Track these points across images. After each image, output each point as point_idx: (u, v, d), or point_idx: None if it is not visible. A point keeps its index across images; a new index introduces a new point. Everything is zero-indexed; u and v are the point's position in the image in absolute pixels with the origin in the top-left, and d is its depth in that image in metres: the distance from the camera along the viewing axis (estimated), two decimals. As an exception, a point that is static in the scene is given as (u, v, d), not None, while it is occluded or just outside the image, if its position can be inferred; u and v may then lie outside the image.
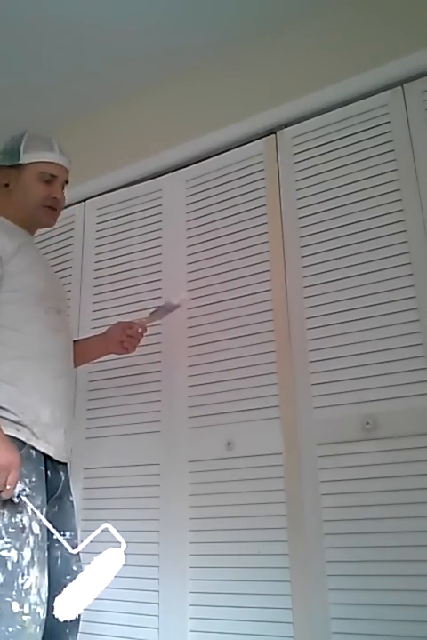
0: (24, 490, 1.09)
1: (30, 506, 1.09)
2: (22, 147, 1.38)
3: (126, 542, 1.05)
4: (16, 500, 1.08)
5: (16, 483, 1.06)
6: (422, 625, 1.36)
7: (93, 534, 1.02)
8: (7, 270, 1.24)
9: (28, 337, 1.25)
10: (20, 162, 1.37)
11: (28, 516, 1.10)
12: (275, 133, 1.92)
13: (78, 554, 1.31)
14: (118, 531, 1.07)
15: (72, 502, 1.36)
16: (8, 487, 1.05)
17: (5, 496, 1.06)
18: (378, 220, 1.65)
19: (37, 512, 1.10)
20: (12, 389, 1.17)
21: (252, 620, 1.56)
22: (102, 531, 1.02)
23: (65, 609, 0.97)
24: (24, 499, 1.08)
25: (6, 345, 1.20)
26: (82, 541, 1.06)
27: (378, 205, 1.66)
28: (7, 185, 1.38)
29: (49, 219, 1.44)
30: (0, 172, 1.38)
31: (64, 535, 1.28)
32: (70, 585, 1.01)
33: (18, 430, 1.16)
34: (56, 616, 0.97)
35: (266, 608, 1.55)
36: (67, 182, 1.47)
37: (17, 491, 1.07)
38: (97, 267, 2.18)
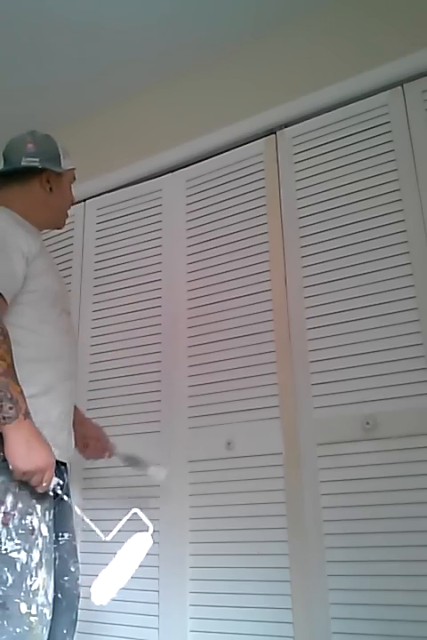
0: (58, 484, 1.13)
1: (65, 497, 1.16)
2: (62, 154, 1.41)
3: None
4: (51, 493, 1.13)
5: (51, 479, 1.11)
6: (421, 625, 1.36)
7: (124, 520, 1.11)
8: (29, 271, 1.24)
9: (42, 338, 1.25)
10: (63, 168, 1.41)
11: (38, 518, 1.11)
12: (275, 133, 1.92)
13: (76, 555, 1.32)
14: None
15: (70, 504, 1.36)
16: (44, 484, 1.09)
17: (42, 491, 1.10)
18: (378, 220, 1.65)
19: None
20: (27, 390, 1.17)
21: (252, 620, 1.56)
22: (132, 515, 1.14)
23: (100, 594, 1.06)
24: (59, 491, 1.13)
25: (23, 345, 1.19)
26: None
27: (378, 205, 1.66)
28: (51, 189, 1.40)
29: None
30: (44, 176, 1.39)
31: (63, 536, 1.28)
32: (103, 571, 1.08)
33: None
34: (93, 601, 1.05)
35: (266, 608, 1.55)
36: None
37: (52, 485, 1.12)
38: (97, 267, 2.18)
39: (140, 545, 1.13)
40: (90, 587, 1.08)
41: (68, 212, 1.50)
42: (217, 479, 1.71)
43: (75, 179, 1.50)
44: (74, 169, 1.47)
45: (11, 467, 1.05)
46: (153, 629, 1.70)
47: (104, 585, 1.06)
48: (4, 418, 1.04)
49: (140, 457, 1.61)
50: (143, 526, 1.14)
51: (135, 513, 1.13)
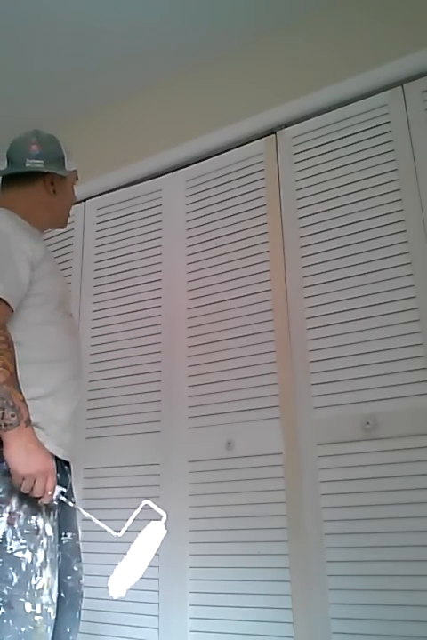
0: (62, 492, 1.13)
1: (71, 503, 1.16)
2: (66, 156, 1.39)
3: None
4: (56, 502, 1.13)
5: (54, 488, 1.11)
6: (421, 625, 1.36)
7: (135, 513, 1.09)
8: (34, 275, 1.24)
9: (47, 340, 1.25)
10: (67, 170, 1.39)
11: (43, 517, 1.12)
12: (275, 133, 1.92)
13: (80, 554, 1.32)
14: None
15: (74, 503, 1.36)
16: (49, 493, 1.09)
17: (46, 501, 1.10)
18: (378, 220, 1.65)
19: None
20: (32, 391, 1.17)
21: (252, 620, 1.56)
22: (144, 508, 1.11)
23: (117, 587, 1.06)
24: (63, 499, 1.14)
25: (28, 348, 1.20)
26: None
27: (378, 205, 1.67)
28: (55, 191, 1.39)
29: None
30: (48, 178, 1.38)
31: (66, 536, 1.28)
32: (119, 563, 1.07)
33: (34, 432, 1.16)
34: (111, 594, 1.05)
35: (266, 608, 1.55)
36: None
37: (56, 494, 1.11)
38: (97, 267, 2.18)
39: (154, 534, 1.12)
40: (107, 580, 1.07)
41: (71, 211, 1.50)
42: (217, 479, 1.71)
43: (77, 178, 1.48)
44: (75, 171, 1.45)
45: (11, 472, 1.06)
46: (153, 629, 1.70)
47: (120, 577, 1.07)
48: (5, 425, 1.06)
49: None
50: (156, 516, 1.14)
51: (147, 505, 1.13)
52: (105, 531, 1.11)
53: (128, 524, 1.09)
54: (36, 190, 1.37)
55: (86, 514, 1.14)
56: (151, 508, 1.13)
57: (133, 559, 1.09)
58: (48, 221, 1.42)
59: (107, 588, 1.06)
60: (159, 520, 1.13)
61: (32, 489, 1.06)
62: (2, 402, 1.05)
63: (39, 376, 1.20)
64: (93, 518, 1.13)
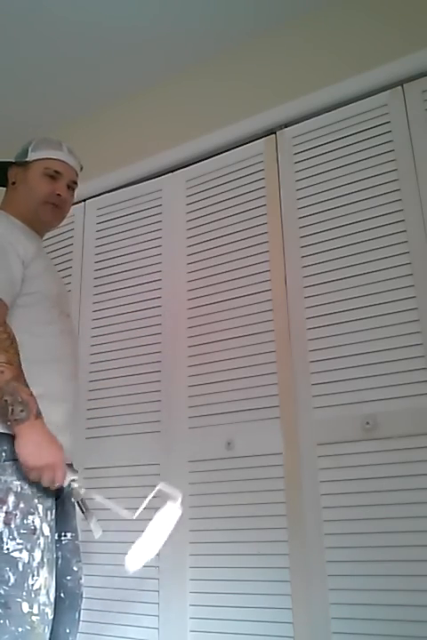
0: (73, 480, 1.17)
1: (83, 491, 1.19)
2: (31, 146, 1.40)
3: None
4: (66, 487, 1.18)
5: (64, 477, 1.14)
6: (421, 625, 1.36)
7: (150, 496, 1.16)
8: (26, 274, 1.25)
9: (42, 340, 1.26)
10: (27, 159, 1.39)
11: (40, 517, 1.12)
12: (275, 133, 1.92)
13: (79, 554, 1.32)
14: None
15: (73, 503, 1.36)
16: (56, 484, 1.12)
17: (53, 487, 1.13)
18: (378, 220, 1.65)
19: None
20: None
21: (252, 620, 1.56)
22: (158, 491, 1.19)
23: (133, 562, 1.14)
24: (74, 485, 1.17)
25: (22, 348, 1.19)
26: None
27: (378, 205, 1.66)
28: (14, 183, 1.40)
29: (52, 217, 1.43)
30: (10, 171, 1.41)
31: (65, 536, 1.29)
32: (137, 540, 1.15)
33: None
34: (127, 568, 1.13)
35: (266, 608, 1.55)
36: (75, 183, 1.47)
37: (66, 482, 1.16)
38: (97, 267, 2.18)
39: (169, 515, 1.20)
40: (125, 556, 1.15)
41: (55, 205, 1.40)
42: (217, 479, 1.71)
43: (57, 171, 1.39)
44: (50, 159, 1.38)
45: (21, 463, 1.08)
46: (153, 629, 1.70)
47: (137, 553, 1.14)
48: (15, 420, 1.08)
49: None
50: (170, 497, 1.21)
51: (160, 489, 1.19)
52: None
53: (142, 506, 1.15)
54: (8, 188, 1.42)
55: (100, 498, 1.20)
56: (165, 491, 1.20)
57: (150, 537, 1.17)
58: (25, 215, 1.37)
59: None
60: (175, 501, 1.19)
61: (41, 479, 1.09)
62: (10, 398, 1.08)
63: (33, 376, 1.19)
64: (108, 502, 1.19)
